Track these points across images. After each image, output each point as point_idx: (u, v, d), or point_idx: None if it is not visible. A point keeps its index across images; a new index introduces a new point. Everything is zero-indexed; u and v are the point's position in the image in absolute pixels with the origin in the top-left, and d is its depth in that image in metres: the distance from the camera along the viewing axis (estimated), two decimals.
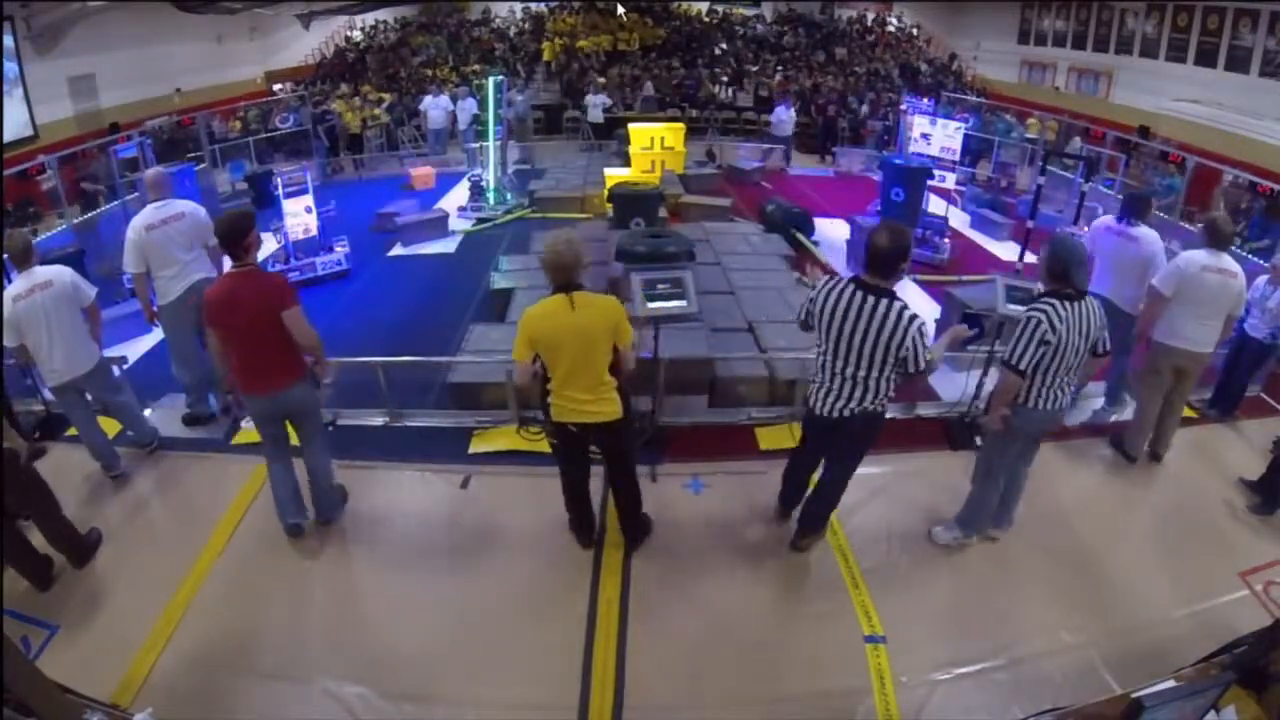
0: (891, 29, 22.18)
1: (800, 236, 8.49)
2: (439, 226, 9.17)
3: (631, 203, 8.25)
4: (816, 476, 3.56)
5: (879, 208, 8.95)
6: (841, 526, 3.82)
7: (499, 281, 6.31)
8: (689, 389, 4.81)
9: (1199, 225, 4.79)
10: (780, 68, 17.69)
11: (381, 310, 6.94)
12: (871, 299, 2.88)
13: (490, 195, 10.03)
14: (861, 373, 3.00)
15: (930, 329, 2.99)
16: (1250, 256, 6.99)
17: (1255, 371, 4.95)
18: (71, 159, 9.18)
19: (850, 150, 13.62)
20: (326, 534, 3.79)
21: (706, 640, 3.19)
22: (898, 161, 9.04)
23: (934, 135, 9.66)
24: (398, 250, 8.66)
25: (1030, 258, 6.75)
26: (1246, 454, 4.50)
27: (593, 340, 2.98)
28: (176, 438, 4.57)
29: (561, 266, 2.97)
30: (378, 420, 4.75)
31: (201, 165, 10.35)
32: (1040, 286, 4.36)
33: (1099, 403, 5.02)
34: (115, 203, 8.80)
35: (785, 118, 13.18)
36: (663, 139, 10.93)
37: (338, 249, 7.86)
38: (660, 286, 3.99)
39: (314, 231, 7.80)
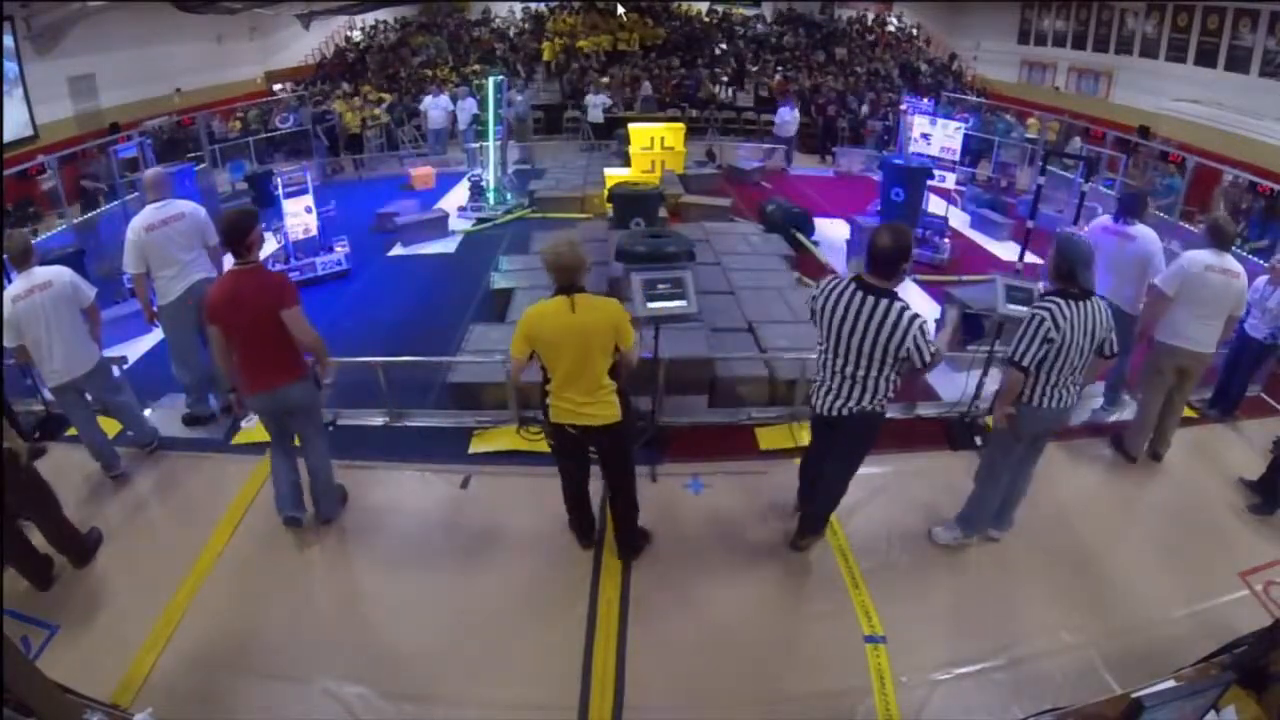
0: (891, 29, 22.18)
1: (800, 236, 8.49)
2: (439, 226, 9.17)
3: (631, 203, 8.24)
4: None
5: (879, 208, 8.95)
6: (841, 526, 3.82)
7: (499, 281, 6.31)
8: (689, 389, 4.81)
9: (1202, 225, 4.80)
10: (780, 68, 17.69)
11: (381, 310, 6.94)
12: (871, 299, 2.89)
13: (490, 195, 10.03)
14: (861, 372, 3.01)
15: (930, 328, 2.99)
16: (1250, 256, 6.98)
17: (1255, 371, 4.95)
18: (71, 159, 9.19)
19: (850, 150, 13.62)
20: (326, 534, 3.79)
21: (706, 640, 3.19)
22: (898, 161, 9.04)
23: (934, 135, 9.65)
24: (398, 250, 8.66)
25: (1030, 258, 6.75)
26: (1246, 454, 4.50)
27: (592, 343, 2.96)
28: (176, 438, 4.58)
29: (563, 268, 2.97)
30: (378, 420, 4.75)
31: (201, 165, 10.34)
32: (1040, 286, 4.40)
33: (1098, 402, 5.02)
34: (115, 203, 8.79)
35: (789, 118, 13.17)
36: (663, 139, 10.93)
37: (338, 249, 7.86)
38: (660, 286, 3.99)
39: (314, 231, 7.80)
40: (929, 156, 9.54)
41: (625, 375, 3.17)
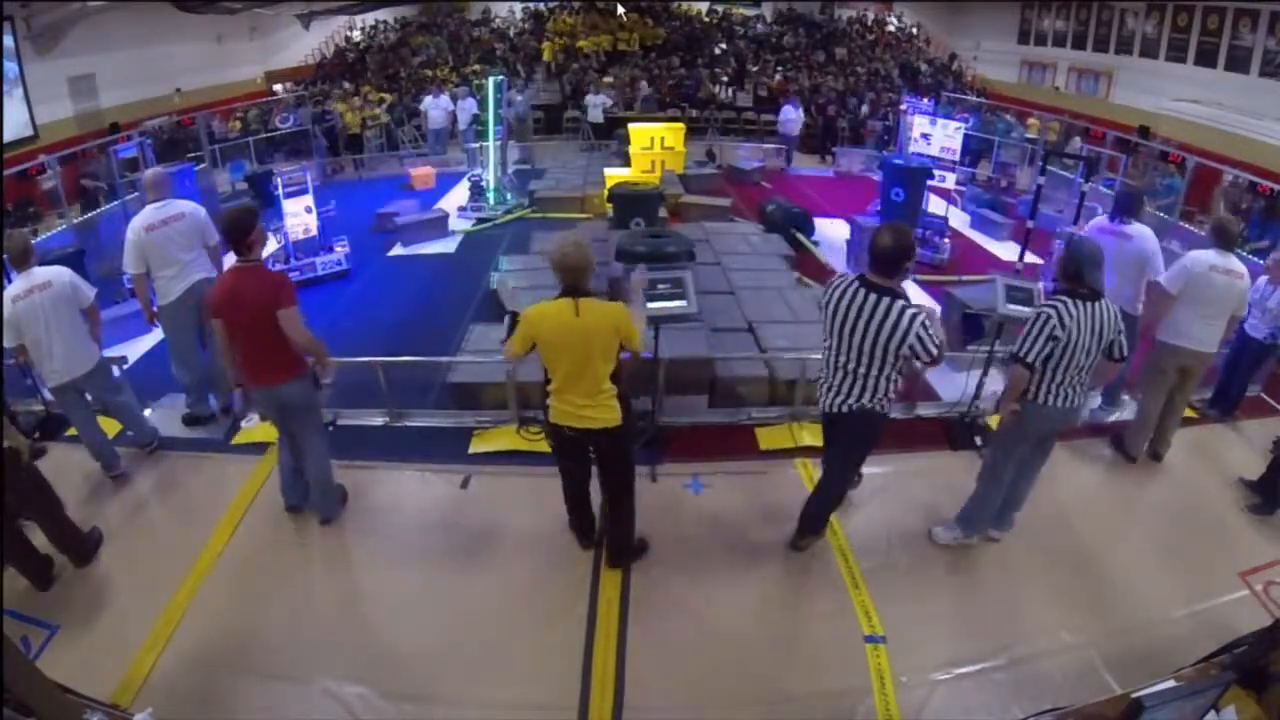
0: (891, 29, 22.18)
1: (800, 236, 8.49)
2: (439, 226, 9.17)
3: (631, 203, 8.24)
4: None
5: (879, 208, 8.95)
6: (841, 526, 3.82)
7: (499, 281, 6.31)
8: (689, 389, 4.81)
9: (1207, 226, 4.80)
10: (780, 68, 17.69)
11: (381, 310, 6.94)
12: (874, 297, 2.91)
13: (490, 195, 10.03)
14: (862, 369, 3.03)
15: (932, 323, 3.00)
16: (1250, 256, 6.98)
17: (1255, 371, 4.95)
18: (71, 159, 9.18)
19: (850, 150, 13.62)
20: (326, 534, 3.80)
21: (706, 640, 3.19)
22: (897, 161, 9.04)
23: (934, 135, 9.66)
24: (398, 250, 8.67)
25: (1031, 257, 6.75)
26: (1246, 454, 4.50)
27: (593, 347, 2.94)
28: (176, 438, 4.58)
29: (569, 268, 2.94)
30: (378, 420, 4.75)
31: (201, 165, 10.35)
32: (1039, 286, 4.41)
33: (1097, 402, 5.02)
34: (115, 203, 8.80)
35: (793, 117, 13.15)
36: (663, 139, 10.93)
37: (338, 249, 7.86)
38: (660, 286, 3.99)
39: (314, 231, 7.80)
40: (929, 156, 9.54)
41: (627, 373, 3.15)
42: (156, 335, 5.28)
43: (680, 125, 11.52)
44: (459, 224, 9.56)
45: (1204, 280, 4.03)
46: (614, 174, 10.37)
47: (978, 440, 4.51)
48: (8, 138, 9.83)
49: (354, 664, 3.06)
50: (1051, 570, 3.60)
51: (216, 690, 2.94)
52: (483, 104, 10.34)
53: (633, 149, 10.96)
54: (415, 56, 18.62)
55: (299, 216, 7.68)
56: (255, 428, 4.65)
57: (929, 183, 8.78)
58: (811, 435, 4.53)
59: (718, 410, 4.83)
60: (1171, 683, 2.28)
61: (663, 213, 8.57)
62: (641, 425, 4.30)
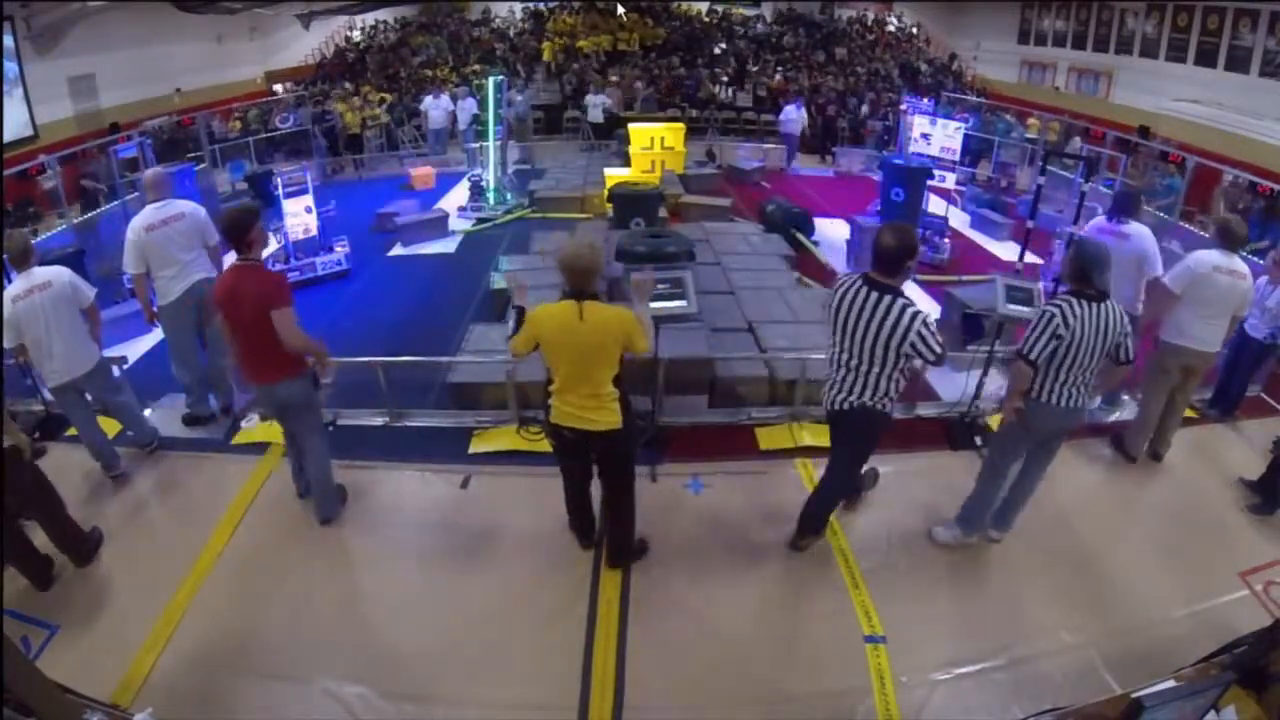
0: (891, 29, 22.18)
1: (800, 236, 8.49)
2: (439, 226, 9.17)
3: (631, 203, 8.24)
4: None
5: (879, 208, 8.95)
6: (841, 526, 3.82)
7: (499, 281, 6.31)
8: (689, 389, 4.81)
9: (1212, 227, 4.80)
10: (780, 68, 17.68)
11: (381, 310, 6.94)
12: (876, 295, 2.95)
13: (490, 195, 10.03)
14: (864, 367, 3.05)
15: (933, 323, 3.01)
16: (1250, 257, 6.98)
17: (1255, 371, 4.95)
18: (71, 159, 9.18)
19: (850, 150, 13.62)
20: (326, 534, 3.79)
21: (707, 640, 3.19)
22: (897, 161, 9.04)
23: (934, 135, 9.65)
24: (398, 250, 8.66)
25: (1031, 257, 6.74)
26: (1246, 454, 4.50)
27: (595, 352, 2.93)
28: (176, 438, 4.58)
29: (577, 270, 2.92)
30: (378, 420, 4.75)
31: (201, 165, 10.34)
32: (1039, 286, 4.41)
33: (1096, 402, 5.02)
34: (115, 203, 8.80)
35: (795, 116, 13.13)
36: (663, 139, 10.93)
37: (338, 249, 7.86)
38: (660, 286, 3.99)
39: (314, 231, 7.80)
40: (929, 156, 9.54)
41: (627, 371, 3.14)
42: (156, 335, 5.29)
43: (680, 125, 11.52)
44: (459, 224, 9.55)
45: (1208, 282, 4.03)
46: (614, 174, 10.36)
47: (978, 440, 4.51)
48: (8, 138, 9.83)
49: (354, 664, 3.06)
50: (1051, 570, 3.60)
51: (216, 690, 2.94)
52: (483, 104, 10.33)
53: (633, 149, 10.95)
54: (415, 56, 18.61)
55: (299, 216, 7.68)
56: (255, 428, 4.65)
57: (929, 183, 8.78)
58: (811, 435, 4.53)
59: (718, 410, 4.83)
60: (1171, 683, 2.28)
61: (663, 213, 8.56)
62: (641, 425, 4.29)
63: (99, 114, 12.19)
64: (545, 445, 4.34)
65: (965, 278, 7.51)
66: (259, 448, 4.48)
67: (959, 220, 9.72)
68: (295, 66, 18.54)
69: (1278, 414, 5.04)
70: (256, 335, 3.31)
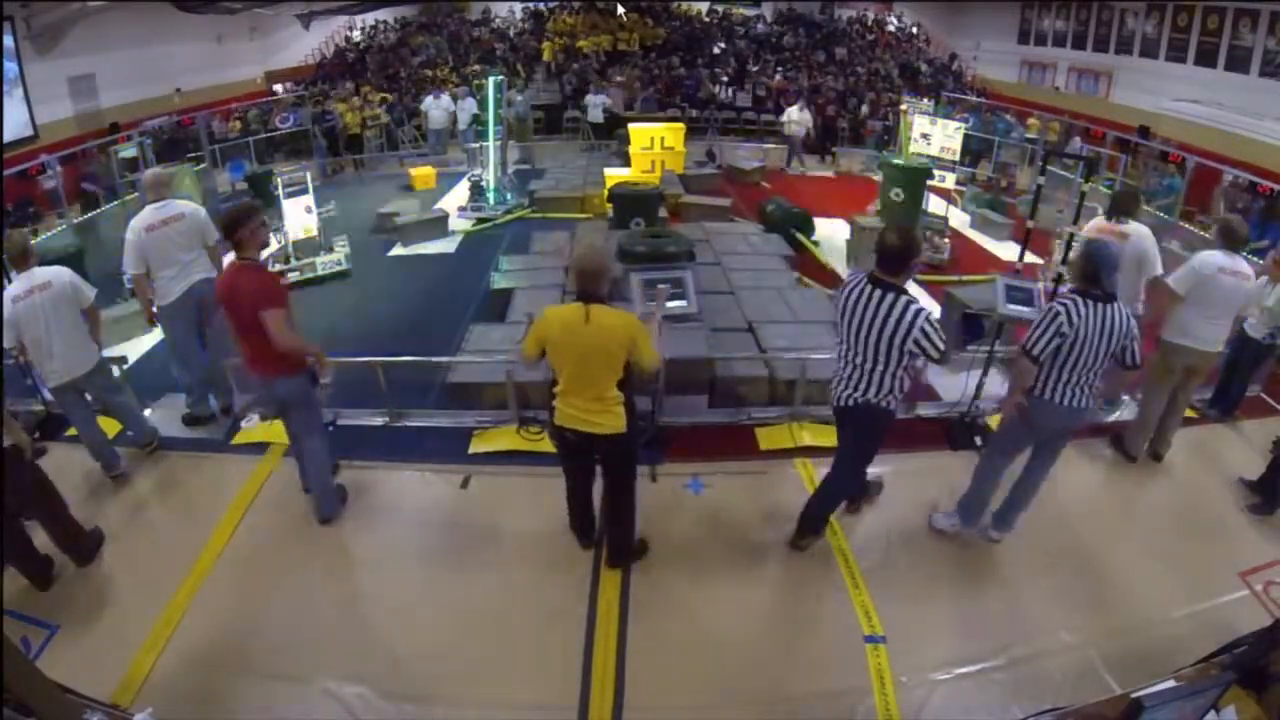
0: (891, 29, 22.18)
1: (800, 236, 8.49)
2: (439, 226, 9.17)
3: (631, 203, 8.25)
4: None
5: (878, 208, 8.95)
6: (841, 527, 3.82)
7: (499, 281, 6.31)
8: (689, 389, 4.81)
9: (1214, 227, 4.81)
10: (780, 68, 17.69)
11: (381, 310, 6.94)
12: (879, 293, 2.99)
13: (490, 195, 10.03)
14: (868, 364, 3.09)
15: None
16: (1249, 256, 6.98)
17: (1255, 371, 4.95)
18: (72, 159, 9.18)
19: (850, 150, 13.61)
20: (326, 534, 3.79)
21: (707, 640, 3.19)
22: (897, 161, 9.04)
23: (934, 135, 9.65)
24: (398, 250, 8.66)
25: (1031, 257, 6.73)
26: (1246, 454, 4.50)
27: (598, 357, 2.92)
28: (176, 438, 4.58)
29: (584, 273, 2.93)
30: (378, 420, 4.75)
31: (201, 165, 10.34)
32: (1039, 286, 4.42)
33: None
34: (115, 203, 8.80)
35: (796, 118, 13.10)
36: (663, 139, 10.93)
37: (338, 249, 7.86)
38: (660, 286, 3.99)
39: (314, 231, 7.80)
40: (929, 156, 9.53)
41: (637, 380, 3.14)
42: (156, 335, 5.29)
43: (680, 125, 11.52)
44: (459, 224, 9.55)
45: (1213, 283, 4.03)
46: (614, 174, 10.37)
47: (978, 440, 4.51)
48: (8, 138, 9.81)
49: (354, 664, 3.06)
50: (1051, 570, 3.60)
51: (216, 690, 2.94)
52: (483, 104, 10.33)
53: (633, 149, 10.96)
54: (415, 56, 18.61)
55: (299, 216, 7.68)
56: (255, 428, 4.65)
57: (929, 183, 8.78)
58: (811, 435, 4.53)
59: (718, 410, 4.83)
60: (1171, 683, 2.28)
61: (663, 213, 8.57)
62: (642, 425, 4.29)
63: (99, 114, 12.19)
64: (545, 445, 4.35)
65: (965, 277, 7.51)
66: (259, 448, 4.48)
67: (959, 220, 9.71)
68: (295, 66, 18.55)
69: (1278, 414, 5.04)
70: (254, 333, 3.32)
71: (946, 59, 20.13)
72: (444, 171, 12.03)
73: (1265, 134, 11.20)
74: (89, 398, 4.14)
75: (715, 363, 4.85)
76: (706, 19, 21.82)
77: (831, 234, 8.98)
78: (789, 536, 3.65)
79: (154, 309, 4.50)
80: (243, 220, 3.32)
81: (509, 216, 9.76)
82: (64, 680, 2.38)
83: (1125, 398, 4.97)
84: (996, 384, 4.77)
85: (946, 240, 8.38)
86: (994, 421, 4.54)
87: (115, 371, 4.35)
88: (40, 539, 3.45)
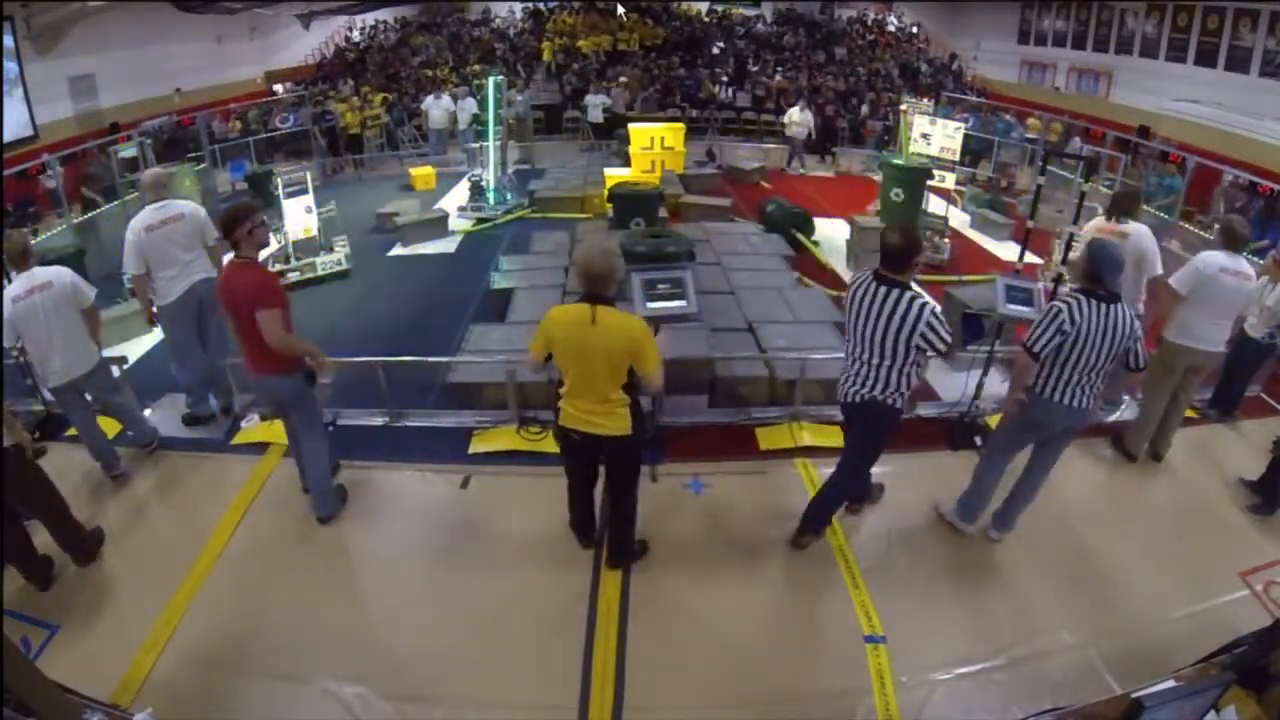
0: (891, 29, 22.18)
1: (800, 236, 8.49)
2: (439, 226, 9.18)
3: (631, 203, 8.24)
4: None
5: (878, 208, 8.95)
6: (842, 527, 3.82)
7: (499, 281, 6.31)
8: (689, 389, 4.81)
9: (1216, 227, 4.80)
10: (780, 68, 17.69)
11: (381, 310, 6.94)
12: (884, 289, 3.03)
13: (490, 195, 10.03)
14: (875, 360, 3.12)
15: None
16: (1250, 256, 6.98)
17: (1255, 371, 4.95)
18: (72, 159, 9.17)
19: (850, 150, 13.60)
20: (326, 534, 3.79)
21: (707, 640, 3.19)
22: (897, 161, 9.04)
23: (934, 135, 9.65)
24: (398, 250, 8.67)
25: (1031, 257, 6.74)
26: (1246, 454, 4.50)
27: (603, 360, 2.90)
28: (176, 438, 4.58)
29: (589, 274, 2.91)
30: (378, 420, 4.75)
31: (201, 165, 10.34)
32: (1039, 286, 4.42)
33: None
34: (115, 203, 8.80)
35: (798, 118, 13.07)
36: (663, 139, 10.93)
37: (338, 249, 7.86)
38: (660, 286, 3.99)
39: (314, 231, 7.80)
40: (929, 156, 9.53)
41: (641, 390, 3.12)
42: (156, 335, 5.29)
43: (680, 125, 11.52)
44: (459, 224, 9.56)
45: (1215, 283, 4.03)
46: (614, 174, 10.37)
47: (978, 440, 4.50)
48: (8, 138, 9.80)
49: (354, 664, 3.06)
50: (1051, 570, 3.60)
51: (216, 690, 2.94)
52: (483, 104, 10.33)
53: (633, 149, 10.95)
54: (415, 56, 18.62)
55: (299, 216, 7.68)
56: (255, 428, 4.65)
57: (929, 183, 8.77)
58: (812, 435, 4.53)
59: (718, 410, 4.83)
60: (1171, 683, 2.28)
61: (663, 213, 8.57)
62: (642, 425, 4.29)
63: (99, 114, 12.18)
64: (545, 445, 4.35)
65: (965, 277, 7.51)
66: (259, 448, 4.48)
67: (959, 220, 9.71)
68: (295, 66, 18.54)
69: (1278, 414, 5.04)
70: (252, 331, 3.33)
71: (946, 59, 20.12)
72: (444, 171, 12.04)
73: (1265, 134, 11.19)
74: (89, 398, 4.14)
75: (715, 363, 4.86)
76: (706, 19, 21.82)
77: (831, 234, 8.99)
78: (790, 535, 3.66)
79: (154, 309, 4.50)
80: (240, 219, 3.31)
81: (509, 216, 9.76)
82: (64, 680, 2.39)
83: (1126, 398, 4.98)
84: (996, 384, 4.78)
85: (946, 240, 8.38)
86: (994, 421, 4.54)
87: (115, 371, 4.35)
88: (40, 539, 3.45)
